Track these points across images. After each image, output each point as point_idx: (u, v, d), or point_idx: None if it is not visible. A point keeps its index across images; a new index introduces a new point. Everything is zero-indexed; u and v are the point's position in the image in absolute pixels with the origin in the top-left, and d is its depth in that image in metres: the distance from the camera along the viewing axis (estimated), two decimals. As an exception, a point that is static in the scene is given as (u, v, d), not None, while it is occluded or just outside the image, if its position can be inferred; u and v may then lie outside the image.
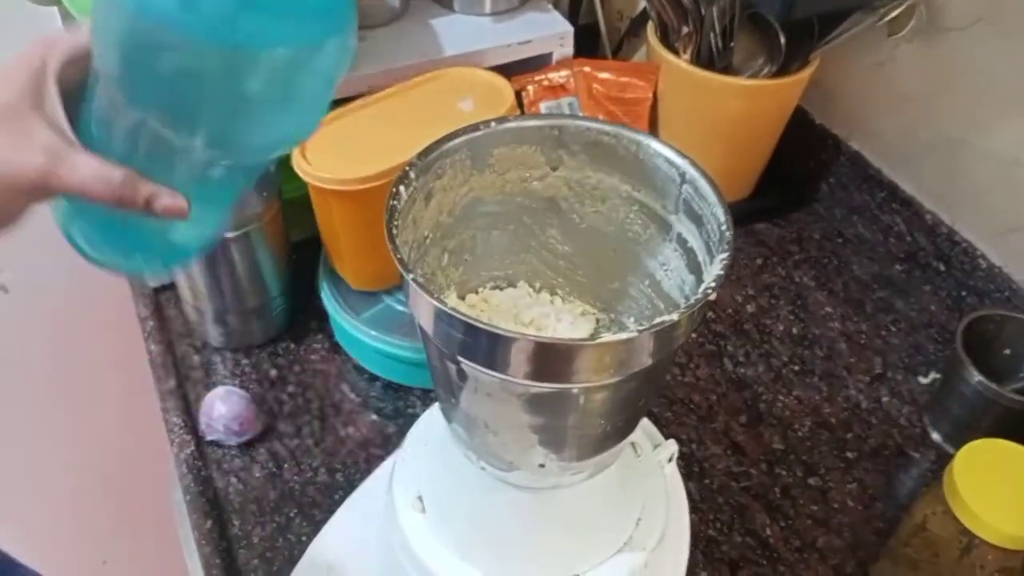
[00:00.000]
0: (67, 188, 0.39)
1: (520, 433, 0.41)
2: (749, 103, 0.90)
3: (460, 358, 0.38)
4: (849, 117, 0.98)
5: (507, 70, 0.89)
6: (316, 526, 0.71)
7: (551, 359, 0.35)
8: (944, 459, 0.78)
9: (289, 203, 0.87)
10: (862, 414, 0.82)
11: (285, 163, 0.76)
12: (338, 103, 0.81)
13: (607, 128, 0.46)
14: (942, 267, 0.91)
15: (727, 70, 0.89)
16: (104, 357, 1.17)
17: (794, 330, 0.90)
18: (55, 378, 1.18)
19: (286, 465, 0.76)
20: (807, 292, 0.93)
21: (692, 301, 0.36)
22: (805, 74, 0.88)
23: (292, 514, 0.72)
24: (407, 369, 0.79)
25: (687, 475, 0.76)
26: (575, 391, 0.38)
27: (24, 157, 0.38)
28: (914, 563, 0.64)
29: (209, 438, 0.77)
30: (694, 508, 0.71)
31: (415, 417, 0.79)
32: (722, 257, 0.38)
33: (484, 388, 0.39)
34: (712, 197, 0.41)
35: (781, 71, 0.88)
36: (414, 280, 0.36)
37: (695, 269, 0.43)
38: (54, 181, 0.39)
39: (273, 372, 0.83)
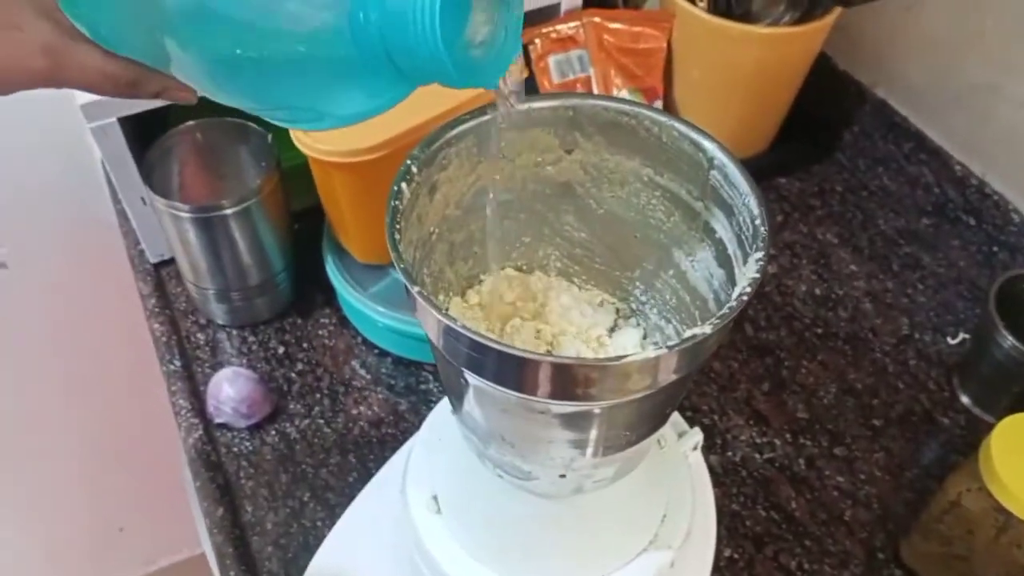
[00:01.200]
0: (70, 87, 0.37)
1: (539, 446, 0.39)
2: (769, 52, 0.85)
3: (473, 374, 0.35)
4: (875, 63, 0.93)
5: (513, 24, 0.84)
6: (330, 510, 0.70)
7: (571, 379, 0.32)
8: (974, 424, 0.76)
9: (289, 171, 0.84)
10: (888, 378, 0.79)
11: (283, 131, 0.72)
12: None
13: (626, 108, 0.42)
14: (972, 221, 0.87)
15: (746, 17, 0.84)
16: (108, 333, 1.15)
17: (817, 291, 0.86)
18: (60, 353, 1.16)
19: (298, 447, 0.74)
20: (830, 250, 0.90)
21: (725, 310, 0.33)
22: (828, 20, 0.83)
23: (306, 498, 0.71)
24: (418, 345, 0.77)
25: (708, 447, 0.74)
26: (598, 410, 0.35)
27: (22, 61, 0.35)
28: (947, 540, 0.62)
29: (217, 421, 0.75)
30: (716, 482, 0.69)
31: (428, 393, 0.77)
32: (757, 257, 0.35)
33: (499, 404, 0.37)
34: (744, 186, 0.38)
35: (804, 17, 0.83)
36: (420, 294, 0.33)
37: (724, 262, 0.40)
38: (56, 84, 0.36)
39: (281, 349, 0.81)
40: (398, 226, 0.37)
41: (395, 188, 0.38)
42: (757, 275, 0.34)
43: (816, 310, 0.85)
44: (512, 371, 0.33)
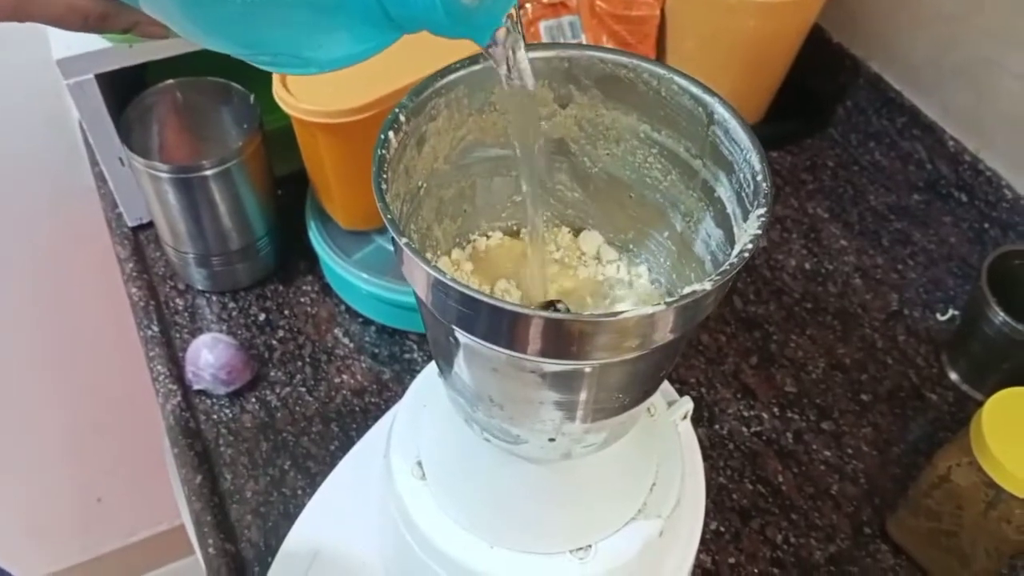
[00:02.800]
0: (36, 20, 0.36)
1: (529, 407, 0.37)
2: (764, 23, 0.84)
3: (463, 331, 0.34)
4: (870, 36, 0.92)
5: (504, -13, 0.82)
6: (311, 479, 0.68)
7: (565, 336, 0.31)
8: (962, 401, 0.75)
9: (273, 134, 0.82)
10: (877, 354, 0.78)
11: (266, 92, 0.70)
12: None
13: (624, 60, 0.40)
14: (964, 197, 0.87)
15: (741, -14, 0.83)
16: (88, 299, 1.13)
17: (807, 265, 0.85)
18: (39, 321, 1.13)
19: (278, 415, 0.72)
20: (821, 224, 0.89)
21: (726, 267, 0.32)
22: (825, -10, 0.82)
23: (286, 467, 0.69)
24: (402, 313, 0.75)
25: (696, 420, 0.73)
26: (590, 368, 0.34)
27: None
28: (936, 515, 0.62)
29: (196, 387, 0.73)
30: (704, 455, 0.68)
31: (412, 363, 0.76)
32: (759, 213, 0.34)
33: (489, 363, 0.35)
34: (745, 141, 0.36)
35: (799, -13, 0.82)
36: (408, 246, 0.32)
37: (723, 223, 0.39)
38: (21, 16, 0.35)
39: (262, 316, 0.79)
40: (385, 176, 0.35)
41: (382, 136, 0.36)
42: (759, 231, 0.33)
43: (806, 285, 0.84)
44: (503, 327, 0.32)
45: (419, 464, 0.48)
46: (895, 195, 0.91)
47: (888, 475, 0.70)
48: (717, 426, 0.73)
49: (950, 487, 0.60)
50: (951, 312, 0.81)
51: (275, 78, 0.70)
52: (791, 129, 0.97)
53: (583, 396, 0.36)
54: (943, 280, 0.84)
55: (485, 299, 0.31)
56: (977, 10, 0.80)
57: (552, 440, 0.39)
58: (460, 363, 0.37)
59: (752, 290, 0.83)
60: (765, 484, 0.70)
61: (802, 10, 0.84)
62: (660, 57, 0.90)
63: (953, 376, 0.77)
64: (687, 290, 0.31)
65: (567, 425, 0.38)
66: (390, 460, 0.49)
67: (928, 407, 0.75)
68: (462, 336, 0.34)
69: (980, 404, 0.74)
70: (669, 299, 0.31)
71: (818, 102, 0.98)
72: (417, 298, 0.36)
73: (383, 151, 0.36)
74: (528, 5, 0.88)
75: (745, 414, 0.74)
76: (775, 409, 0.74)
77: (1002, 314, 0.70)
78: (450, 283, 0.31)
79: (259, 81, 0.71)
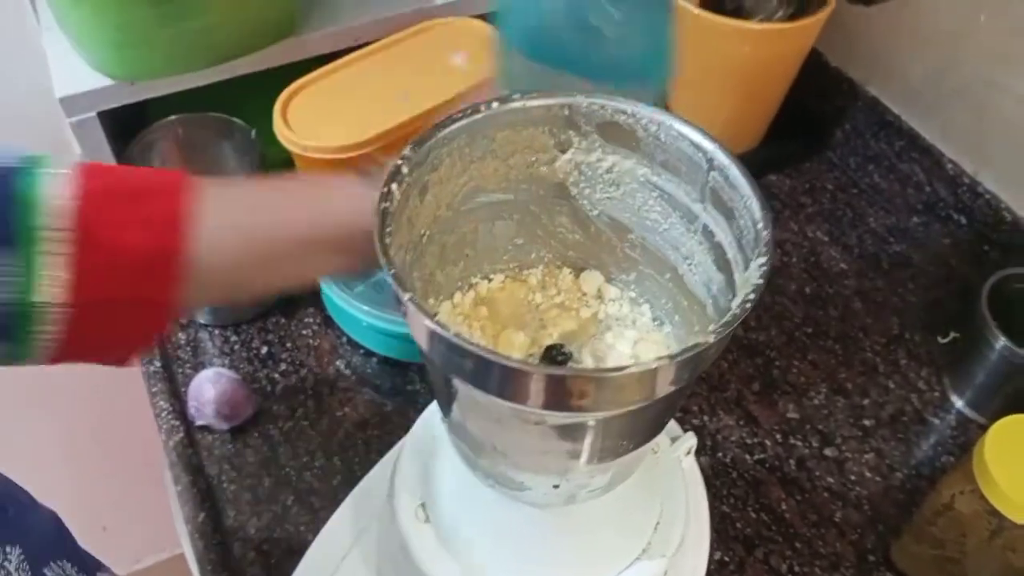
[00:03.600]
0: None
1: (532, 457, 0.37)
2: (761, 48, 0.84)
3: (466, 383, 0.34)
4: (868, 59, 0.93)
5: (501, 17, 0.83)
6: (315, 515, 0.68)
7: (567, 391, 0.31)
8: (965, 425, 0.75)
9: (275, 168, 0.82)
10: (879, 378, 0.79)
11: (267, 127, 0.71)
12: (319, 61, 0.75)
13: (624, 107, 0.41)
14: (963, 220, 0.87)
15: (738, 13, 0.83)
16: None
17: (807, 289, 0.86)
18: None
19: (281, 449, 0.72)
20: (820, 248, 0.89)
21: (728, 318, 0.32)
22: (821, 16, 0.82)
23: (289, 502, 0.69)
24: (404, 345, 0.75)
25: (699, 449, 0.72)
26: (592, 421, 0.34)
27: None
28: (940, 542, 0.62)
29: (199, 423, 0.73)
30: (706, 484, 0.68)
31: (414, 394, 0.76)
32: (760, 263, 0.34)
33: (492, 414, 0.35)
34: (746, 188, 0.37)
35: (796, 13, 0.82)
36: (412, 301, 0.32)
37: (723, 266, 0.39)
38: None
39: (264, 349, 0.79)
40: (388, 229, 0.35)
41: (385, 190, 0.36)
42: (761, 281, 0.33)
43: (806, 309, 0.84)
44: (506, 382, 0.32)
45: (423, 507, 0.48)
46: (894, 217, 0.92)
47: (891, 501, 0.70)
48: (720, 454, 0.73)
49: (954, 515, 0.60)
50: (952, 335, 0.81)
51: (276, 113, 0.70)
52: (790, 152, 0.97)
53: (587, 445, 0.36)
54: (943, 303, 0.84)
55: (489, 356, 0.31)
56: (974, 32, 0.81)
57: (556, 487, 0.40)
58: (463, 412, 0.37)
59: (753, 316, 0.83)
60: (769, 512, 0.70)
61: (800, 35, 0.85)
62: (657, 84, 0.90)
63: (955, 400, 0.77)
64: (690, 343, 0.31)
65: (571, 472, 0.38)
66: (394, 502, 0.49)
67: (931, 431, 0.75)
68: (464, 388, 0.34)
69: (982, 427, 0.74)
70: (672, 353, 0.31)
71: (816, 125, 0.98)
72: (420, 349, 0.36)
73: (386, 204, 0.36)
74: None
75: (748, 441, 0.74)
76: (778, 436, 0.74)
77: (1003, 338, 0.70)
78: (453, 339, 0.31)
79: (260, 116, 0.71)
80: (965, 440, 0.74)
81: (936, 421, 0.76)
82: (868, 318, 0.83)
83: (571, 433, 0.35)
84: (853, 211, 0.93)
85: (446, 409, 0.39)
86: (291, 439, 0.73)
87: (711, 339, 0.31)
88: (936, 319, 0.83)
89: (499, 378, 0.32)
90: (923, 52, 0.87)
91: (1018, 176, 0.82)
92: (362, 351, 0.78)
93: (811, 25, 0.83)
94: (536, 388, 0.31)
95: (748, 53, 0.85)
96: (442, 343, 0.32)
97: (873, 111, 0.93)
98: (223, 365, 0.77)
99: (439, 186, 0.40)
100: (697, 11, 0.83)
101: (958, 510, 0.60)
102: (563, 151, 0.43)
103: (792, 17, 0.83)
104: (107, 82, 0.72)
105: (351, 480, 0.70)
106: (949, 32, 0.83)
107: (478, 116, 0.40)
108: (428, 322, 0.32)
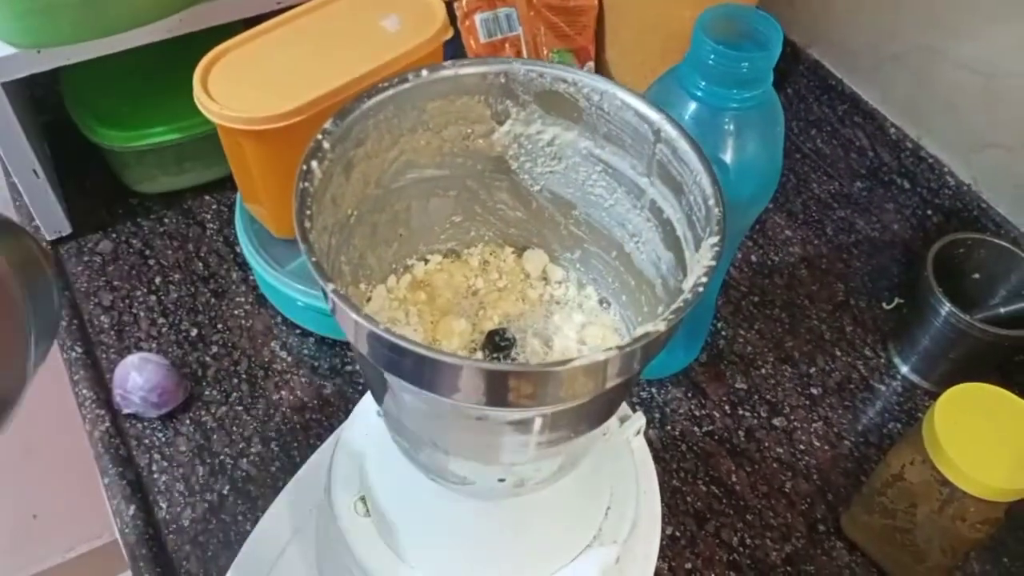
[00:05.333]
0: None
1: (475, 451, 0.35)
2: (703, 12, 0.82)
3: (401, 380, 0.31)
4: (809, 23, 0.91)
5: (436, -21, 0.79)
6: (252, 503, 0.65)
7: (511, 387, 0.29)
8: (911, 391, 0.75)
9: (199, 139, 0.78)
10: (825, 346, 0.78)
11: (190, 96, 0.66)
12: (244, 24, 0.71)
13: (564, 75, 0.38)
14: (906, 184, 0.86)
15: (680, -26, 0.81)
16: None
17: (753, 257, 0.85)
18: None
19: (214, 436, 0.69)
20: (765, 215, 0.88)
21: (680, 303, 0.30)
22: (765, -23, 0.80)
23: (225, 491, 0.66)
24: (342, 324, 0.72)
25: (648, 422, 0.71)
26: (539, 415, 0.32)
27: None
28: (890, 512, 0.61)
29: (126, 411, 0.69)
30: (656, 458, 0.67)
31: (354, 375, 0.73)
32: (712, 243, 0.32)
33: (431, 409, 0.33)
34: (696, 163, 0.34)
35: (739, -26, 0.80)
36: (336, 293, 0.29)
37: (673, 244, 0.37)
38: None
39: (194, 331, 0.75)
40: (308, 212, 0.32)
41: (303, 168, 0.33)
42: (713, 262, 0.31)
43: (752, 278, 0.83)
44: (444, 378, 0.29)
45: (362, 500, 0.45)
46: (838, 183, 0.91)
47: (840, 470, 0.70)
48: (669, 427, 0.72)
49: (904, 485, 0.60)
50: (897, 301, 0.81)
51: (196, 82, 0.66)
52: (733, 117, 0.95)
53: (534, 437, 0.34)
54: (888, 268, 0.84)
55: (425, 352, 0.28)
56: (915, -4, 0.80)
57: (502, 480, 0.37)
58: (400, 408, 0.35)
59: (699, 285, 0.82)
60: (719, 485, 0.69)
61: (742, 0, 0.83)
62: (599, 48, 0.88)
63: (901, 366, 0.76)
64: (640, 331, 0.29)
65: (517, 465, 0.36)
66: (332, 496, 0.46)
67: (877, 398, 0.75)
68: (400, 384, 0.32)
69: (928, 393, 0.74)
70: (622, 344, 0.29)
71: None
72: (351, 343, 0.33)
73: (305, 184, 0.33)
74: (462, -4, 0.85)
75: (696, 413, 0.73)
76: (726, 407, 0.73)
77: (948, 304, 0.69)
78: (384, 334, 0.29)
79: (179, 85, 0.67)
80: (911, 407, 0.74)
81: (882, 388, 0.75)
82: (813, 285, 0.82)
83: (516, 427, 0.33)
84: (796, 177, 0.92)
85: (382, 404, 0.37)
86: (225, 425, 0.70)
87: (662, 327, 0.29)
88: (880, 285, 0.83)
89: (436, 374, 0.29)
90: (863, 17, 0.86)
91: (960, 141, 0.81)
92: (298, 331, 0.75)
93: (755, -13, 0.81)
94: (477, 385, 0.29)
95: (691, 16, 0.82)
96: (372, 338, 0.30)
97: (815, 75, 0.92)
98: (150, 349, 0.74)
99: (366, 162, 0.37)
100: (639, -28, 0.80)
101: (908, 480, 0.59)
102: (500, 123, 0.40)
103: (735, -22, 0.80)
104: (11, 51, 0.67)
105: (290, 467, 0.67)
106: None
107: (406, 85, 0.37)
108: (356, 316, 0.29)
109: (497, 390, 0.29)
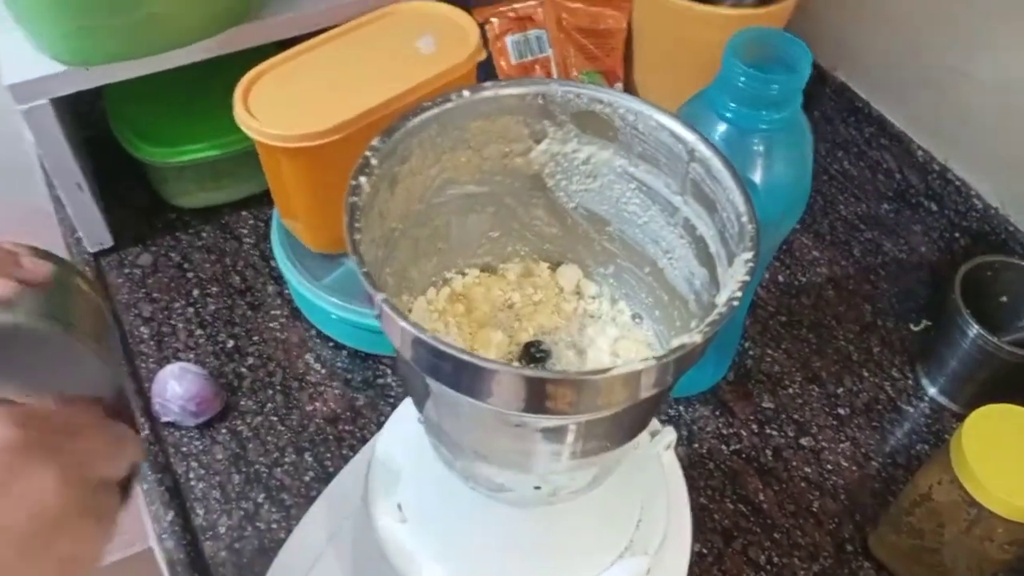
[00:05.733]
0: None
1: (513, 459, 0.36)
2: (731, 34, 0.83)
3: (444, 387, 0.32)
4: (836, 46, 0.92)
5: (468, 1, 0.81)
6: (286, 511, 0.67)
7: (550, 394, 0.30)
8: (939, 413, 0.75)
9: (239, 154, 0.80)
10: (852, 367, 0.78)
11: (229, 113, 0.68)
12: (280, 46, 0.73)
13: (600, 95, 0.39)
14: (934, 206, 0.87)
15: (709, -2, 0.82)
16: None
17: (780, 277, 0.85)
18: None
19: (250, 446, 0.71)
20: (792, 235, 0.89)
21: (715, 316, 0.31)
22: (791, 2, 0.82)
23: (260, 499, 0.68)
24: (374, 337, 0.74)
25: (676, 440, 0.72)
26: (574, 424, 0.33)
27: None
28: (918, 532, 0.62)
29: (164, 419, 0.71)
30: (684, 475, 0.68)
31: (386, 388, 0.74)
32: (746, 258, 0.33)
33: (471, 415, 0.34)
34: (728, 180, 0.36)
35: (767, -1, 0.81)
36: (386, 303, 0.30)
37: (706, 261, 0.38)
38: None
39: (230, 343, 0.77)
40: (357, 224, 0.34)
41: (353, 183, 0.35)
42: (747, 277, 0.32)
43: (780, 298, 0.83)
44: (485, 384, 0.30)
45: (399, 507, 0.47)
46: (865, 204, 0.91)
47: (868, 490, 0.70)
48: (696, 445, 0.73)
49: (931, 505, 0.60)
50: (924, 323, 0.81)
51: (237, 99, 0.68)
52: (760, 139, 0.96)
53: (569, 445, 0.35)
54: (915, 290, 0.84)
55: (468, 358, 0.29)
56: (943, 18, 0.80)
57: (537, 488, 0.38)
58: (441, 415, 0.36)
59: (727, 304, 0.83)
60: (746, 503, 0.69)
61: (768, 21, 0.84)
62: (627, 70, 0.89)
63: (929, 388, 0.77)
64: (676, 343, 0.30)
65: (553, 473, 0.37)
66: (370, 502, 0.47)
67: (905, 419, 0.75)
68: (442, 390, 0.33)
69: (956, 415, 0.75)
70: (659, 354, 0.30)
71: (787, 111, 0.97)
72: (395, 351, 0.35)
73: (355, 198, 0.34)
74: (495, 20, 0.87)
75: (724, 432, 0.73)
76: (754, 426, 0.74)
77: (976, 326, 0.70)
78: (431, 341, 0.30)
79: (220, 103, 0.69)
80: (939, 428, 0.74)
81: (910, 409, 0.76)
82: (841, 306, 0.83)
83: (553, 435, 0.34)
84: (824, 198, 0.93)
85: (422, 410, 0.38)
86: (260, 435, 0.71)
87: (698, 339, 0.30)
88: (907, 307, 0.83)
89: (478, 380, 0.30)
90: (890, 38, 0.86)
91: (987, 163, 0.82)
92: (331, 344, 0.77)
93: (780, 11, 0.82)
94: (517, 391, 0.30)
95: (718, 39, 0.83)
96: (418, 344, 0.31)
97: (842, 97, 0.92)
98: (188, 359, 0.75)
99: (410, 178, 0.39)
100: (669, -4, 0.82)
101: (936, 500, 0.60)
102: (538, 141, 0.42)
103: (761, 3, 0.82)
104: (59, 68, 0.69)
105: (323, 476, 0.69)
106: (916, 18, 0.83)
107: (449, 105, 0.39)
108: (404, 323, 0.30)
109: (537, 396, 0.30)
